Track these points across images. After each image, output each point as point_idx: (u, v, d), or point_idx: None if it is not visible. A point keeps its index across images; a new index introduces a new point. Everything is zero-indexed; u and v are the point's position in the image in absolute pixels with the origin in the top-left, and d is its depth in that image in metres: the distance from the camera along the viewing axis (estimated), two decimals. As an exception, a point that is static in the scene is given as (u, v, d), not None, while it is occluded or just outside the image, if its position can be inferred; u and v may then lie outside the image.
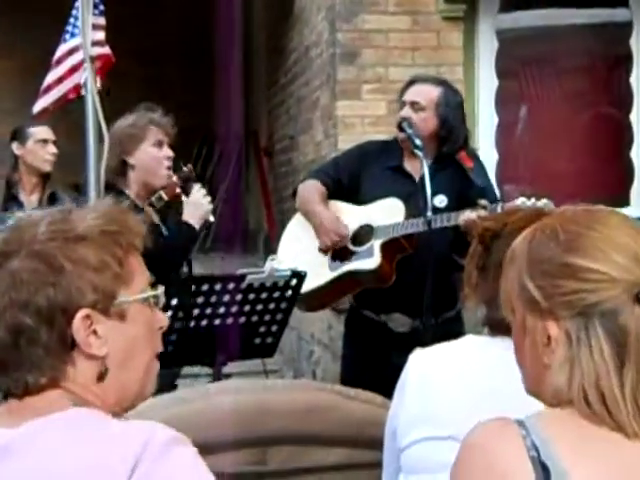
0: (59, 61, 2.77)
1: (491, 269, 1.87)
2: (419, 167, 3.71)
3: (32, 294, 1.21)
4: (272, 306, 3.25)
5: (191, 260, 3.69)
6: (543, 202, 3.55)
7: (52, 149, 4.12)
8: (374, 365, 3.55)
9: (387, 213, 3.65)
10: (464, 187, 3.72)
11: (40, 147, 4.11)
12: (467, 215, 3.39)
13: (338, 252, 3.72)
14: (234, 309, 3.18)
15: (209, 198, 3.56)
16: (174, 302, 3.07)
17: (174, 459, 1.16)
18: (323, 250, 3.73)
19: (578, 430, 1.17)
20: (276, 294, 3.23)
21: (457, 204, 3.60)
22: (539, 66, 5.71)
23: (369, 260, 3.60)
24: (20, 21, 9.47)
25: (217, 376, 3.23)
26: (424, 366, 1.87)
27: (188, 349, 3.16)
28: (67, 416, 1.21)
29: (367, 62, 5.41)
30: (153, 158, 3.49)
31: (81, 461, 1.14)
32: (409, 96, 3.75)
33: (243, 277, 3.18)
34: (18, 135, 4.22)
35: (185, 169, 3.68)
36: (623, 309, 1.18)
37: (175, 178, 3.60)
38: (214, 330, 3.15)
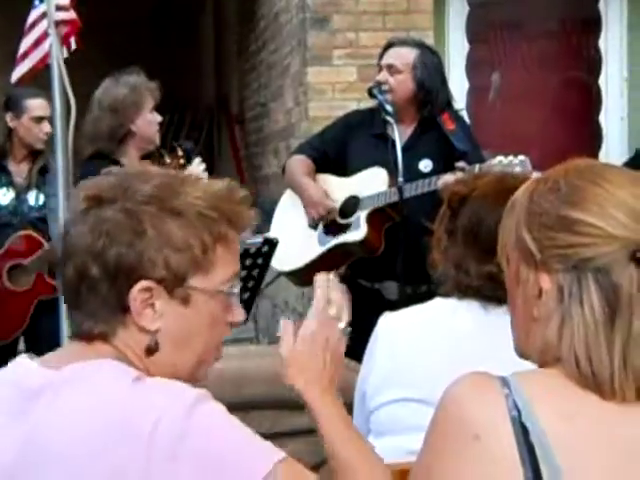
0: (32, 26, 2.72)
1: (459, 233, 1.89)
2: (408, 131, 3.71)
3: (106, 247, 1.22)
4: (244, 273, 3.24)
5: None
6: (519, 159, 3.57)
7: (46, 127, 3.92)
8: (367, 332, 3.55)
9: (371, 183, 3.62)
10: (448, 150, 3.69)
11: (34, 125, 3.97)
12: (445, 179, 3.36)
13: (327, 226, 3.72)
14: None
15: (206, 173, 3.57)
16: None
17: (203, 414, 1.15)
18: (312, 224, 3.73)
19: (563, 391, 1.16)
20: (248, 261, 3.23)
21: (443, 168, 3.57)
22: (509, 30, 5.70)
23: (356, 232, 3.60)
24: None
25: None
26: (393, 329, 1.89)
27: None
28: (102, 366, 1.21)
29: (337, 27, 5.37)
30: (151, 124, 3.51)
31: (105, 413, 1.15)
32: (385, 59, 3.72)
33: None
34: (13, 105, 4.04)
35: (179, 152, 3.67)
36: (617, 266, 1.15)
37: (168, 160, 3.60)
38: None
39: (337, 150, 3.72)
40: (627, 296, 1.15)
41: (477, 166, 3.43)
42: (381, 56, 3.77)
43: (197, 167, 3.54)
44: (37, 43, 2.84)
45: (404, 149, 3.54)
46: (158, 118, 3.56)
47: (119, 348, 1.25)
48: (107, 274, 1.22)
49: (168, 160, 3.62)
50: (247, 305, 3.39)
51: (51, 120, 3.93)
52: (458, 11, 5.45)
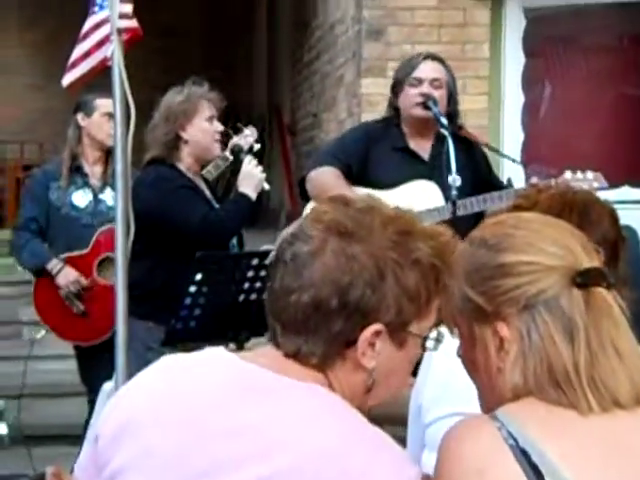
0: (86, 35, 2.77)
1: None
2: (426, 146, 3.69)
3: (351, 285, 1.23)
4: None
5: (242, 233, 3.71)
6: (594, 174, 3.57)
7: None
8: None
9: (425, 196, 3.55)
10: (473, 164, 3.68)
11: (105, 121, 4.05)
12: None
13: None
14: (257, 285, 3.18)
15: (260, 167, 3.58)
16: (198, 277, 3.08)
17: None
18: None
19: (548, 415, 1.21)
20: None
21: (470, 183, 3.55)
22: (566, 45, 5.66)
23: None
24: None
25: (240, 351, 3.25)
26: (449, 341, 1.87)
27: (212, 324, 3.17)
28: (329, 397, 1.25)
29: (393, 39, 5.38)
30: (206, 132, 3.54)
31: (325, 450, 1.18)
32: (428, 73, 3.65)
33: (267, 253, 3.18)
34: (84, 106, 4.13)
35: (247, 131, 3.71)
36: (563, 294, 1.23)
37: (236, 139, 3.66)
38: (238, 306, 3.16)
39: (360, 163, 3.63)
40: (580, 318, 1.22)
41: (553, 181, 3.42)
42: (411, 69, 3.66)
43: (249, 165, 3.56)
44: (93, 49, 2.88)
45: (431, 163, 3.53)
46: (216, 127, 3.59)
47: (330, 379, 1.27)
48: (346, 310, 1.24)
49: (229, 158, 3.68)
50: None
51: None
52: (515, 24, 5.42)
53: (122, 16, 2.65)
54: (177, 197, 3.47)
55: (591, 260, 1.26)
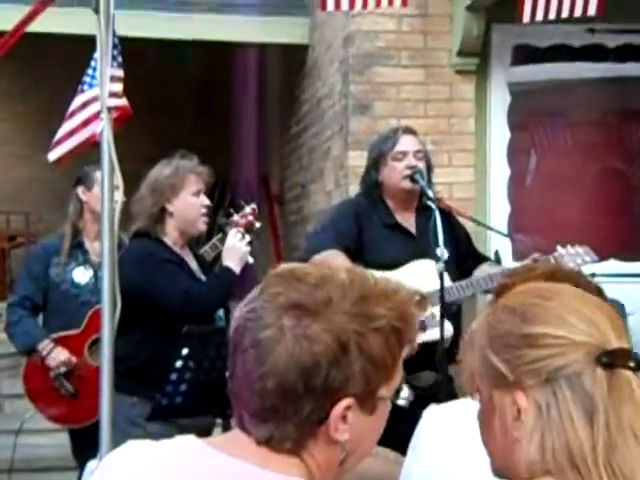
0: (73, 114, 2.79)
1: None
2: (411, 220, 3.71)
3: (315, 367, 1.20)
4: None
5: (229, 305, 3.67)
6: (584, 249, 3.62)
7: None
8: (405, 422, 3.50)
9: (427, 276, 3.50)
10: (455, 235, 3.72)
11: None
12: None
13: None
14: (245, 360, 3.16)
15: (246, 241, 3.58)
16: (184, 352, 3.06)
17: None
18: None
19: None
20: None
21: (455, 254, 3.57)
22: (551, 119, 5.74)
23: (436, 330, 3.40)
24: (32, 67, 9.59)
25: (227, 428, 3.21)
26: (438, 423, 1.85)
27: (198, 400, 3.14)
28: None
29: (379, 114, 5.44)
30: (192, 206, 3.53)
31: None
32: (410, 146, 3.70)
33: (254, 328, 3.16)
34: (84, 180, 4.12)
35: (247, 209, 3.72)
36: (586, 372, 1.21)
37: (237, 217, 3.65)
38: (224, 381, 3.13)
39: (355, 244, 3.61)
40: (601, 399, 1.20)
41: (551, 257, 3.48)
42: (393, 144, 3.71)
43: (234, 238, 3.55)
44: (77, 129, 2.90)
45: (420, 238, 3.55)
46: (203, 202, 3.58)
47: (306, 461, 1.24)
48: (314, 393, 1.21)
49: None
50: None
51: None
52: (500, 99, 5.50)
53: (112, 95, 2.68)
54: (159, 273, 3.44)
55: (619, 339, 1.24)
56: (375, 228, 3.66)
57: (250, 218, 3.75)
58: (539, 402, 1.22)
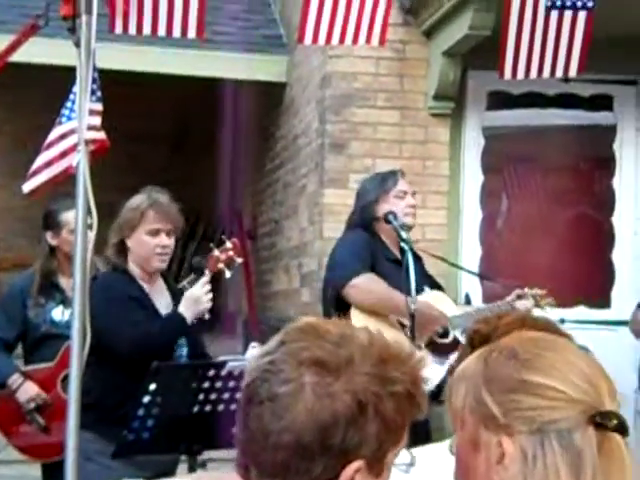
0: (50, 145, 2.79)
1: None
2: (398, 256, 3.81)
3: (336, 425, 1.19)
4: (227, 396, 3.19)
5: (195, 342, 3.59)
6: (547, 301, 3.79)
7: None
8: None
9: (443, 303, 3.80)
10: (424, 273, 3.95)
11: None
12: (525, 305, 3.79)
13: (427, 345, 3.75)
14: (213, 396, 3.14)
15: (211, 295, 3.47)
16: (152, 387, 3.04)
17: None
18: (422, 344, 3.70)
19: None
20: (232, 384, 3.18)
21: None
22: (524, 164, 5.81)
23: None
24: (10, 97, 9.57)
25: (193, 464, 3.18)
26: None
27: (165, 436, 3.11)
28: None
29: (355, 153, 5.49)
30: (144, 245, 3.44)
31: None
32: (409, 187, 3.95)
33: (223, 364, 3.15)
34: (50, 223, 4.07)
35: (228, 244, 3.66)
36: (578, 430, 1.20)
37: (217, 252, 3.58)
38: (193, 418, 3.11)
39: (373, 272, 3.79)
40: (590, 458, 1.19)
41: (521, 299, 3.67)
42: (393, 184, 3.89)
43: (202, 289, 3.44)
44: (54, 160, 2.90)
45: (407, 273, 3.63)
46: (160, 242, 3.45)
47: None
48: (328, 451, 1.19)
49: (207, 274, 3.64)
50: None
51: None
52: (474, 143, 5.57)
53: (90, 128, 2.68)
54: (112, 312, 3.36)
55: (612, 403, 1.25)
56: (381, 261, 3.80)
57: (231, 253, 3.74)
58: (525, 450, 1.21)
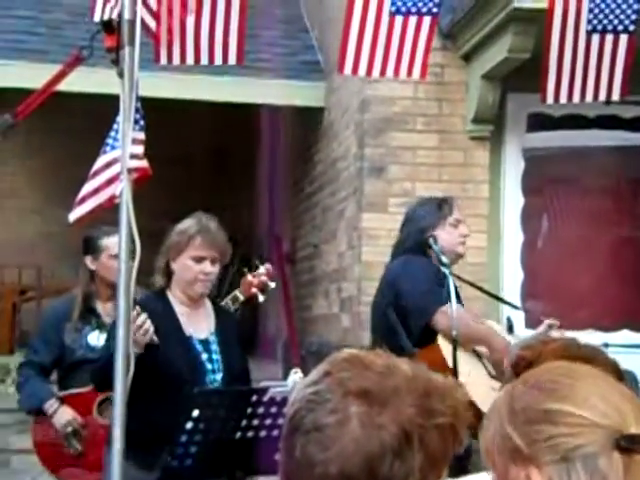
0: (96, 173, 2.84)
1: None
2: None
3: (383, 456, 1.18)
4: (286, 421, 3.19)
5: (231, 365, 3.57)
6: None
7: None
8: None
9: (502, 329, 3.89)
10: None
11: (114, 261, 4.04)
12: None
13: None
14: (255, 422, 3.14)
15: (145, 330, 3.22)
16: (195, 413, 3.04)
17: None
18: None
19: None
20: (274, 409, 3.18)
21: None
22: (565, 186, 5.77)
23: None
24: (48, 123, 9.71)
25: (235, 491, 3.18)
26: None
27: (208, 462, 3.11)
28: None
29: (394, 177, 5.48)
30: (188, 270, 3.46)
31: None
32: (462, 216, 3.94)
33: (266, 390, 3.15)
34: (90, 248, 4.13)
35: (262, 269, 3.67)
36: (603, 454, 1.19)
37: (250, 277, 3.58)
38: (235, 444, 3.11)
39: None
40: None
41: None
42: (449, 210, 3.86)
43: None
44: (101, 187, 2.94)
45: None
46: (203, 269, 3.45)
47: None
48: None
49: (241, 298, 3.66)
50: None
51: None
52: (514, 165, 5.54)
53: (133, 156, 2.72)
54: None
55: (639, 426, 1.23)
56: (443, 290, 3.77)
57: (263, 279, 3.73)
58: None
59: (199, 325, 3.56)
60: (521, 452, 1.23)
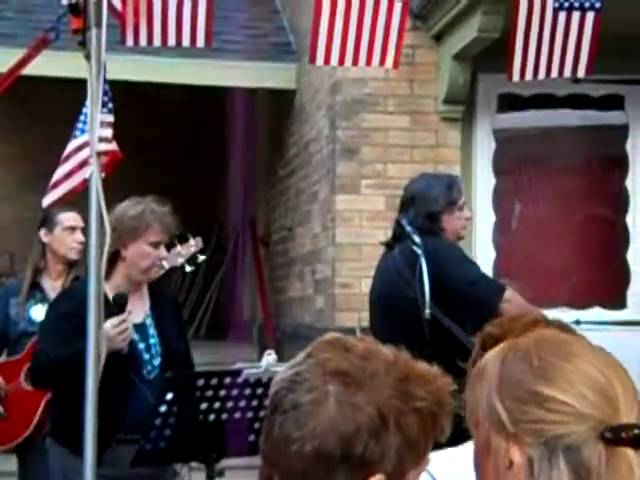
0: (68, 157, 2.82)
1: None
2: None
3: (357, 434, 1.19)
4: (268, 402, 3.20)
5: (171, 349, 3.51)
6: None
7: (79, 237, 4.09)
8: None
9: None
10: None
11: (67, 234, 4.12)
12: None
13: None
14: (229, 404, 3.15)
15: (126, 335, 3.22)
16: (169, 397, 3.05)
17: None
18: None
19: None
20: (248, 391, 3.18)
21: None
22: (535, 165, 5.80)
23: None
24: (19, 109, 9.62)
25: (210, 473, 3.19)
26: (434, 471, 1.85)
27: (182, 445, 3.12)
28: None
29: (366, 158, 5.49)
30: (146, 257, 3.39)
31: None
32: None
33: (239, 372, 3.16)
34: (46, 222, 4.19)
35: (191, 241, 3.68)
36: (587, 445, 1.19)
37: (179, 248, 3.58)
38: (209, 426, 3.12)
39: None
40: (597, 475, 1.18)
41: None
42: (459, 193, 3.78)
43: (112, 328, 3.17)
44: (73, 171, 2.93)
45: None
46: (160, 254, 3.42)
47: None
48: (349, 462, 1.20)
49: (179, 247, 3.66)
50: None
51: (84, 231, 4.05)
52: (485, 146, 5.56)
53: (102, 140, 2.70)
54: (52, 324, 3.39)
55: (629, 413, 1.22)
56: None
57: (192, 249, 3.74)
58: (532, 461, 1.21)
59: (134, 308, 3.40)
60: (505, 427, 1.23)
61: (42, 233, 4.18)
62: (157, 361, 3.42)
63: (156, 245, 3.41)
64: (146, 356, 3.41)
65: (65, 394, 3.28)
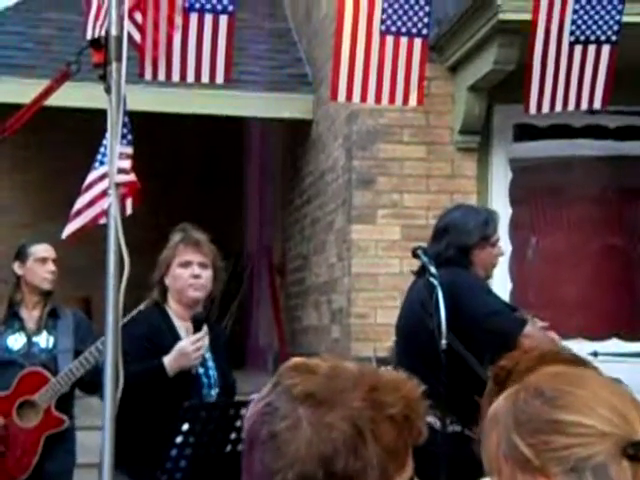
0: (89, 186, 2.85)
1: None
2: None
3: (334, 456, 1.20)
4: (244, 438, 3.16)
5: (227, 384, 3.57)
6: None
7: (50, 267, 4.20)
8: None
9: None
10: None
11: (39, 266, 4.21)
12: None
13: None
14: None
15: (201, 352, 3.35)
16: (185, 427, 3.05)
17: None
18: None
19: None
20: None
21: None
22: (552, 195, 5.80)
23: None
24: (36, 137, 9.71)
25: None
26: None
27: (198, 476, 3.12)
28: None
29: (382, 188, 5.51)
30: (178, 278, 3.47)
31: None
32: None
33: (255, 403, 3.16)
34: (20, 254, 4.29)
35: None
36: (612, 463, 1.19)
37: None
38: (225, 457, 3.12)
39: None
40: None
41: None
42: (493, 230, 3.74)
43: (189, 345, 3.32)
44: (92, 202, 2.96)
45: None
46: (191, 272, 3.46)
47: None
48: (333, 479, 1.20)
49: None
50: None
51: (55, 262, 4.13)
52: (501, 176, 5.57)
53: (120, 171, 2.73)
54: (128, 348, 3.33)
55: None
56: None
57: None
58: None
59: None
60: (530, 462, 1.23)
61: (16, 266, 4.28)
62: (215, 391, 3.49)
63: (186, 265, 3.48)
64: (204, 380, 3.48)
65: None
